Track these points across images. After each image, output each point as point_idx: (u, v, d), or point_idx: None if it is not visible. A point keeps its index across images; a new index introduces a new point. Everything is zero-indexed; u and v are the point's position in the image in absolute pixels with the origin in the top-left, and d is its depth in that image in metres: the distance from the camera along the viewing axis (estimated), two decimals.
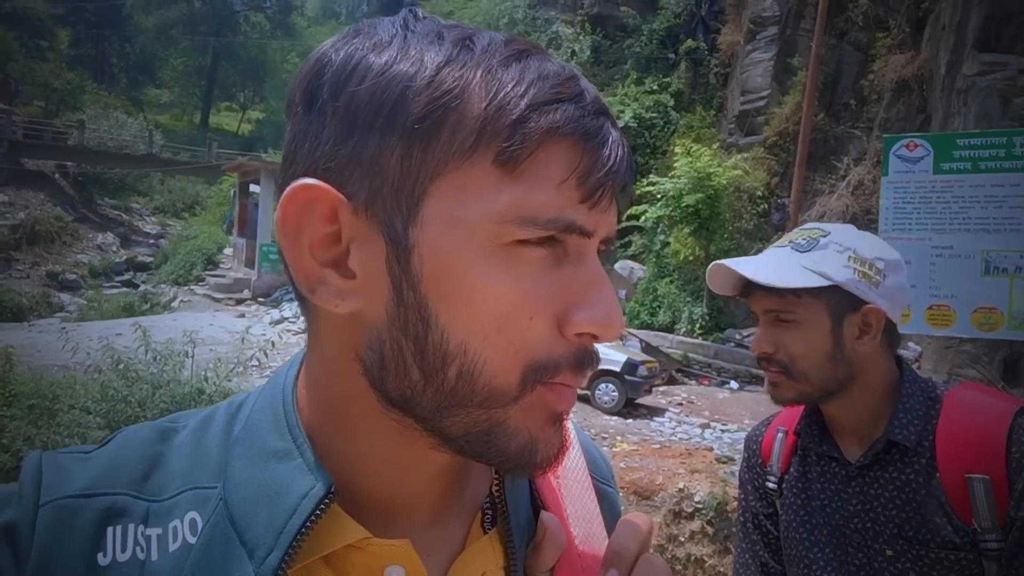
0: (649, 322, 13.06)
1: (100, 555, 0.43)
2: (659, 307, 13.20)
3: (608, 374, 8.63)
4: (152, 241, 26.71)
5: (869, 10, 12.43)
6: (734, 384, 10.60)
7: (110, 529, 0.43)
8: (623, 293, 14.14)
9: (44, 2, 37.93)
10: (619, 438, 7.14)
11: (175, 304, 17.63)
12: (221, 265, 21.92)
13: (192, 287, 19.94)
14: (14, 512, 0.43)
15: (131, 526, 0.44)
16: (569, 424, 0.61)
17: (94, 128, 28.38)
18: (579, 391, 0.48)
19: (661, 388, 9.87)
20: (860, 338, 1.08)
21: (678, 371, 11.05)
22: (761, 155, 13.13)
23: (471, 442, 0.43)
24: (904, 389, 1.10)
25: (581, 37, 17.55)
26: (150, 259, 24.14)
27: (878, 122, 11.71)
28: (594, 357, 0.44)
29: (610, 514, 0.58)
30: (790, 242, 1.12)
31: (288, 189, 0.42)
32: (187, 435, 0.49)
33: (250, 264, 18.75)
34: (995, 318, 5.71)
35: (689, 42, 16.07)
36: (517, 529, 0.50)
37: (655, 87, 16.06)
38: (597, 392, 8.76)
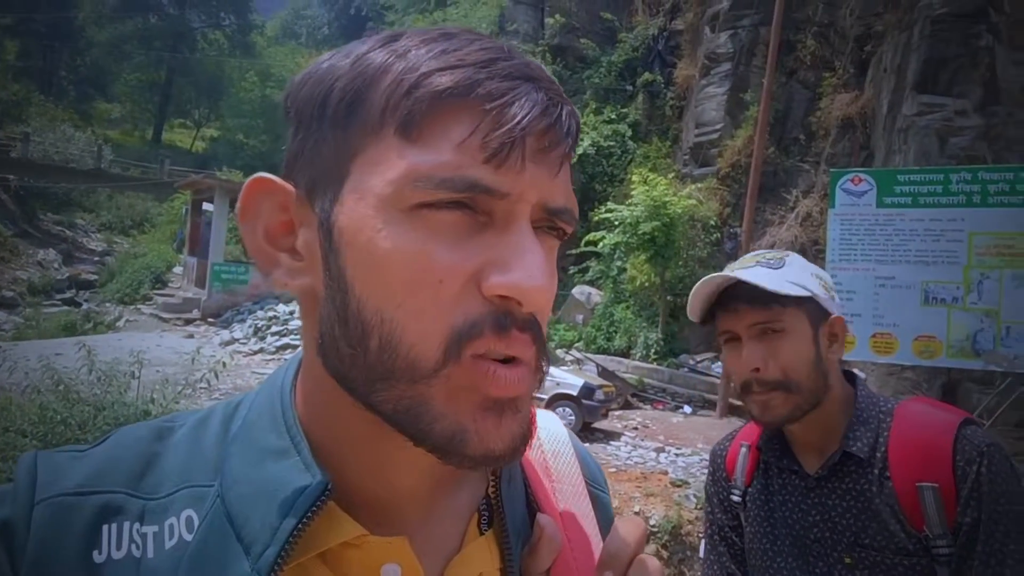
0: (606, 347, 13.18)
1: (95, 552, 0.43)
2: (615, 332, 13.34)
3: (565, 398, 8.65)
4: (97, 258, 25.76)
5: (816, 51, 13.01)
6: (688, 409, 10.74)
7: (105, 527, 0.43)
8: (580, 318, 14.25)
9: None
10: None
11: (120, 324, 17.00)
12: (170, 284, 21.28)
13: (139, 306, 19.26)
14: (9, 510, 0.43)
15: (127, 524, 0.44)
16: (551, 424, 0.61)
17: (39, 141, 27.42)
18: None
19: (617, 412, 9.93)
20: (830, 347, 1.14)
21: (633, 395, 11.14)
22: (714, 186, 13.50)
23: (400, 421, 0.42)
24: (857, 403, 1.15)
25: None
26: (94, 277, 23.24)
27: (825, 157, 12.19)
28: (526, 323, 0.42)
29: (603, 518, 0.59)
30: (757, 262, 1.15)
31: (246, 181, 0.46)
32: (184, 434, 0.49)
33: (200, 284, 18.25)
34: (934, 346, 5.96)
35: (646, 75, 16.51)
36: (513, 530, 0.50)
37: (613, 116, 16.42)
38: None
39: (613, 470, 6.81)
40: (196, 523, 0.44)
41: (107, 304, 19.53)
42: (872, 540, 1.07)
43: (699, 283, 1.15)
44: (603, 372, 10.96)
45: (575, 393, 8.61)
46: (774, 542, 1.18)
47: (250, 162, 30.81)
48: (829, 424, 1.15)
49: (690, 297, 1.17)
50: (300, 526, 0.42)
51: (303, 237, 0.45)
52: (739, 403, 8.98)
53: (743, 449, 1.28)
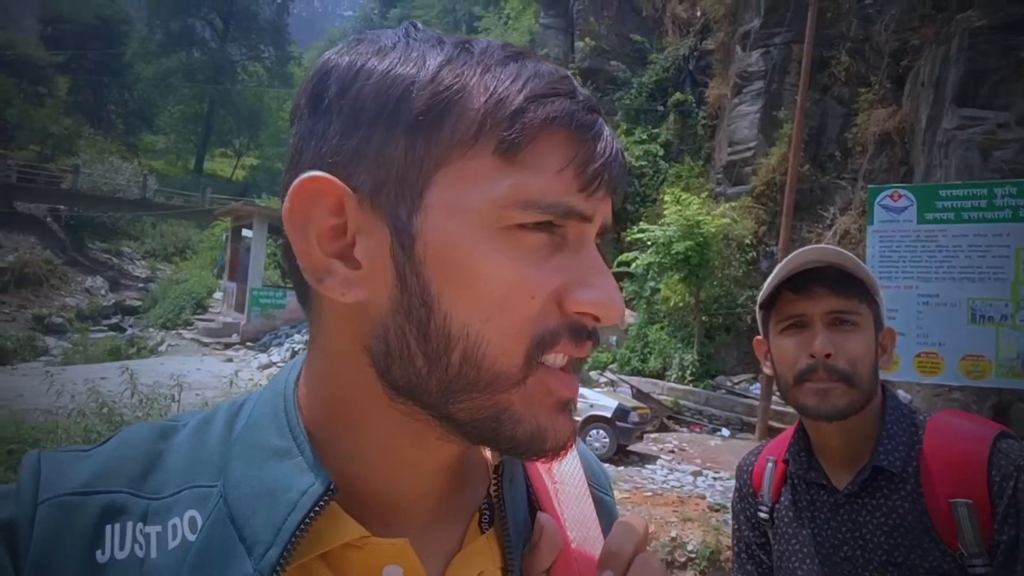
0: (640, 368, 13.02)
1: (99, 553, 0.42)
2: (650, 353, 13.18)
3: (599, 420, 8.55)
4: (141, 285, 26.57)
5: (851, 67, 12.85)
6: (726, 431, 10.51)
7: (109, 527, 0.43)
8: (613, 339, 14.13)
9: (45, 50, 38.53)
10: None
11: (162, 348, 17.44)
12: (210, 309, 21.79)
13: (180, 331, 19.76)
14: (12, 509, 0.43)
15: (130, 524, 0.44)
16: None
17: (88, 173, 28.53)
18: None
19: (652, 435, 9.78)
20: (881, 356, 1.12)
21: (669, 418, 10.96)
22: (749, 204, 13.34)
23: (478, 428, 0.44)
24: (887, 415, 1.11)
25: None
26: (138, 303, 23.96)
27: (862, 173, 11.97)
28: (593, 332, 0.45)
29: (607, 520, 0.58)
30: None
31: (296, 182, 0.43)
32: (187, 434, 0.49)
33: (240, 308, 18.65)
34: (983, 366, 5.74)
35: (677, 95, 16.49)
36: (515, 530, 0.50)
37: (644, 136, 16.40)
38: (588, 438, 8.67)
39: (649, 494, 6.69)
40: (199, 523, 0.44)
41: (150, 329, 20.08)
42: (904, 559, 1.02)
43: (794, 253, 1.13)
44: (637, 394, 10.82)
45: (609, 415, 8.51)
46: (803, 560, 1.14)
47: None
48: (863, 434, 1.11)
49: (775, 271, 1.14)
50: (303, 527, 0.42)
51: (364, 244, 0.43)
52: (779, 425, 8.76)
53: (770, 464, 1.24)
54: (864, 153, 12.09)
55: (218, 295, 22.54)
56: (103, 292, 24.64)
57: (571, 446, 0.47)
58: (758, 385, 10.70)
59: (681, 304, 12.55)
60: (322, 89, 0.45)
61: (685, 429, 10.78)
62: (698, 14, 17.36)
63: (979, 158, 8.68)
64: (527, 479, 0.55)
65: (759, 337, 1.23)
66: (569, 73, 0.46)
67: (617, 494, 6.63)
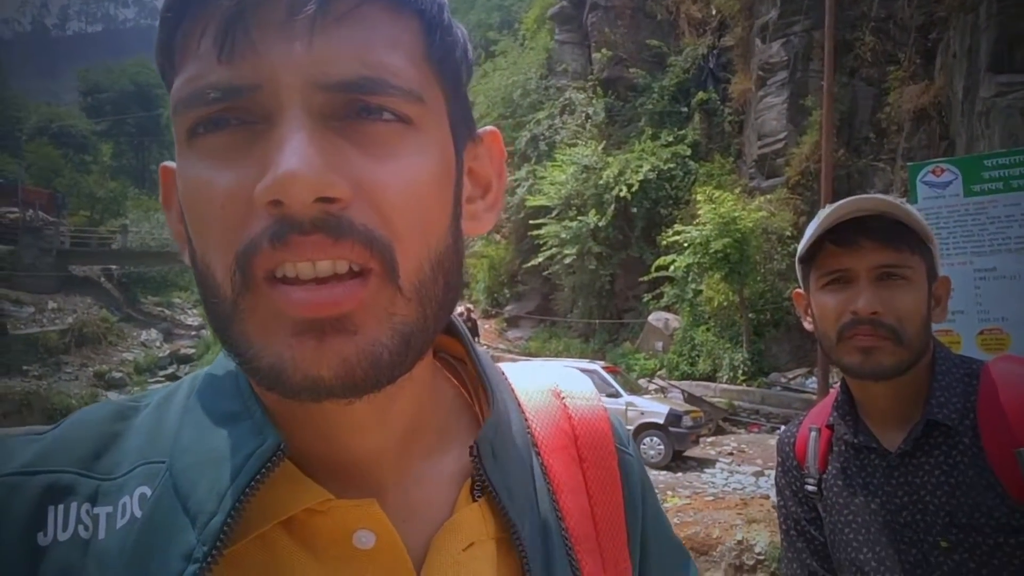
0: (689, 372, 12.81)
1: (40, 535, 0.39)
2: (698, 356, 12.96)
3: (651, 427, 8.43)
4: (194, 333, 27.36)
5: (877, 46, 12.58)
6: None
7: (52, 508, 0.40)
8: (659, 345, 13.95)
9: (87, 119, 40.43)
10: (669, 493, 6.90)
11: None
12: None
13: None
14: None
15: (74, 504, 0.41)
16: (577, 384, 0.58)
17: (136, 231, 29.74)
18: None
19: (709, 439, 9.58)
20: (934, 309, 1.04)
21: (725, 420, 10.74)
22: (785, 196, 13.10)
23: (245, 368, 0.39)
24: (938, 366, 1.03)
25: (594, 101, 18.01)
26: (192, 350, 24.68)
27: (900, 152, 11.65)
28: (299, 222, 0.35)
29: (628, 480, 0.55)
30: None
31: (160, 169, 0.46)
32: (148, 412, 0.47)
33: None
34: None
35: (701, 94, 16.36)
36: (513, 502, 0.46)
37: (671, 139, 16.29)
38: (642, 446, 8.54)
39: (710, 498, 6.55)
40: (148, 499, 0.41)
41: None
42: (969, 519, 0.94)
43: (837, 203, 1.03)
44: (689, 398, 10.65)
45: (661, 421, 8.38)
46: (858, 531, 1.05)
47: None
48: (913, 391, 1.03)
49: (811, 226, 1.05)
50: (248, 491, 0.38)
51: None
52: None
53: (812, 433, 1.15)
54: (900, 132, 11.77)
55: None
56: (158, 344, 25.46)
57: (349, 383, 0.37)
58: (814, 379, 10.41)
59: (725, 303, 12.33)
60: None
61: (743, 430, 10.53)
62: (713, 12, 17.25)
63: (1022, 122, 8.37)
64: (536, 449, 0.52)
65: (798, 290, 1.15)
66: None
67: (677, 500, 6.51)
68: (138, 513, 0.40)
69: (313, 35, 0.36)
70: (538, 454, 0.52)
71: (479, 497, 0.46)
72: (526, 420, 0.53)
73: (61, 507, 0.40)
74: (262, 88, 0.36)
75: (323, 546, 0.41)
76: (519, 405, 0.54)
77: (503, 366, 0.58)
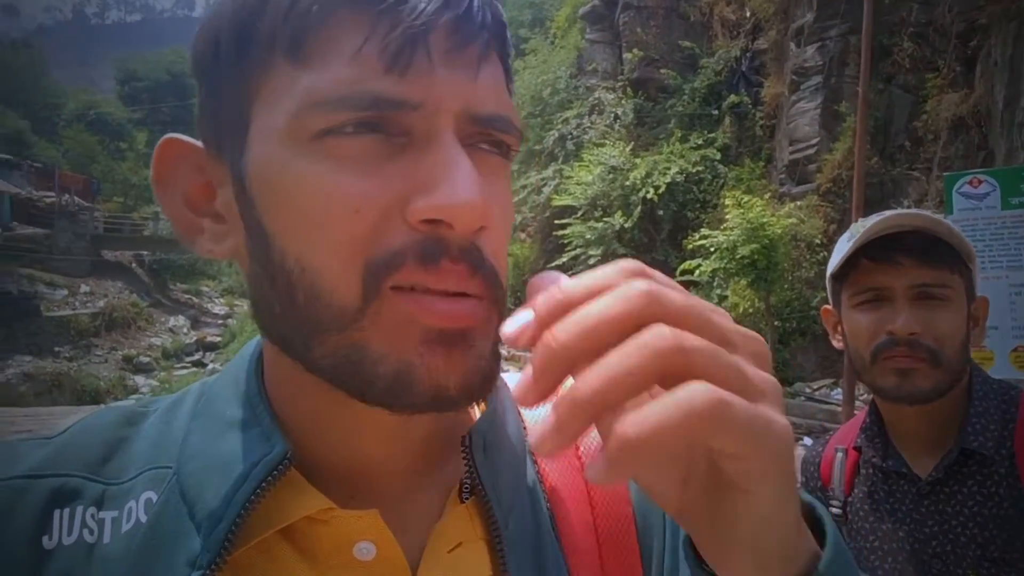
0: None
1: (45, 538, 0.40)
2: None
3: None
4: (220, 321, 27.77)
5: (915, 53, 12.32)
6: (808, 440, 10.10)
7: (58, 511, 0.40)
8: None
9: (124, 107, 41.20)
10: None
11: None
12: None
13: None
14: None
15: (80, 508, 0.41)
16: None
17: (167, 218, 30.22)
18: None
19: None
20: (972, 329, 1.01)
21: None
22: (816, 203, 12.90)
23: (341, 375, 0.38)
24: (975, 390, 0.99)
25: (623, 101, 17.90)
26: (218, 339, 25.05)
27: (936, 162, 11.40)
28: (452, 248, 0.36)
29: (643, 496, 0.52)
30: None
31: (156, 146, 0.43)
32: (156, 418, 0.47)
33: None
34: None
35: (732, 97, 16.16)
36: (499, 501, 0.45)
37: (700, 142, 16.13)
38: None
39: None
40: (154, 504, 0.41)
41: None
42: (1002, 553, 0.91)
43: (874, 218, 0.99)
44: None
45: None
46: (884, 559, 1.02)
47: None
48: (947, 416, 1.00)
49: (843, 240, 1.01)
50: (254, 498, 0.38)
51: (222, 197, 0.42)
52: None
53: (839, 454, 1.12)
54: (937, 141, 11.52)
55: None
56: (185, 331, 25.89)
57: (467, 396, 0.38)
58: (839, 390, 10.25)
59: (751, 310, 12.18)
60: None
61: None
62: (747, 15, 17.04)
63: None
64: (533, 456, 0.50)
65: (827, 307, 1.11)
66: None
67: None
68: (144, 518, 0.41)
69: (479, 70, 0.38)
70: (535, 461, 0.50)
71: (468, 498, 0.45)
72: (524, 426, 0.51)
73: (67, 511, 0.41)
74: (424, 107, 0.36)
75: (323, 556, 0.41)
76: (517, 410, 0.52)
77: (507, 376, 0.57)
